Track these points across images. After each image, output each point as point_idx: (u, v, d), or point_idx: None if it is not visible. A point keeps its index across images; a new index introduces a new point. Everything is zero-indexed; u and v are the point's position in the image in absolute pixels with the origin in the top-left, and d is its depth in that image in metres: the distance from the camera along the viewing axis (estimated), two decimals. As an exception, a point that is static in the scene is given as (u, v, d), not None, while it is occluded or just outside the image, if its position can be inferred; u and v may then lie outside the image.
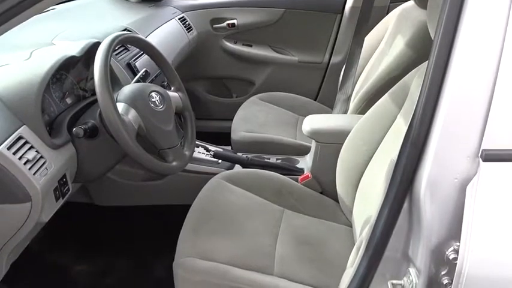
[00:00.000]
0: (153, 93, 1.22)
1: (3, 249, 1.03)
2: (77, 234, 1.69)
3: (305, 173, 1.52)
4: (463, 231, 0.63)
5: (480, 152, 0.65)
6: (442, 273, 0.67)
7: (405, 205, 0.71)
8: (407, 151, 0.69)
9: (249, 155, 1.68)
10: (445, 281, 0.67)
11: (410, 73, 1.16)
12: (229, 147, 1.81)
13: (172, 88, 1.40)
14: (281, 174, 1.45)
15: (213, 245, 1.12)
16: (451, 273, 0.66)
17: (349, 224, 1.31)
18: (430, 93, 0.67)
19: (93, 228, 1.72)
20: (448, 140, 0.66)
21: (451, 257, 0.66)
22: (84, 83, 1.33)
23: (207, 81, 2.47)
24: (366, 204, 1.16)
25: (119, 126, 1.05)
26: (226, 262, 1.07)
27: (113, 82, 1.20)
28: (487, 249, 0.64)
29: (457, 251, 0.65)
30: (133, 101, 1.16)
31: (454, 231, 0.66)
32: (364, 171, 1.23)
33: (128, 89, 1.21)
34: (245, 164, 1.64)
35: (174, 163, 1.22)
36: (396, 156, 0.72)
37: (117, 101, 1.15)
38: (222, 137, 1.93)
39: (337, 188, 1.34)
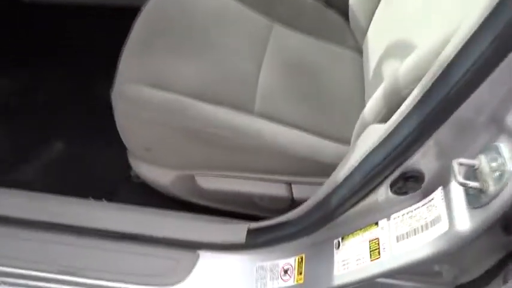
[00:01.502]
0: None
1: None
2: None
3: (306, -28, 1.09)
4: None
5: None
6: None
7: None
8: None
9: None
10: None
11: None
12: None
13: None
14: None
15: (170, 67, 0.81)
16: None
17: (360, 50, 0.97)
18: None
19: (19, 33, 1.31)
20: None
21: None
22: None
23: None
24: (397, 24, 0.79)
25: None
26: (188, 93, 0.77)
27: None
28: None
29: None
30: None
31: None
32: None
33: None
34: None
35: None
36: None
37: None
38: None
39: None
